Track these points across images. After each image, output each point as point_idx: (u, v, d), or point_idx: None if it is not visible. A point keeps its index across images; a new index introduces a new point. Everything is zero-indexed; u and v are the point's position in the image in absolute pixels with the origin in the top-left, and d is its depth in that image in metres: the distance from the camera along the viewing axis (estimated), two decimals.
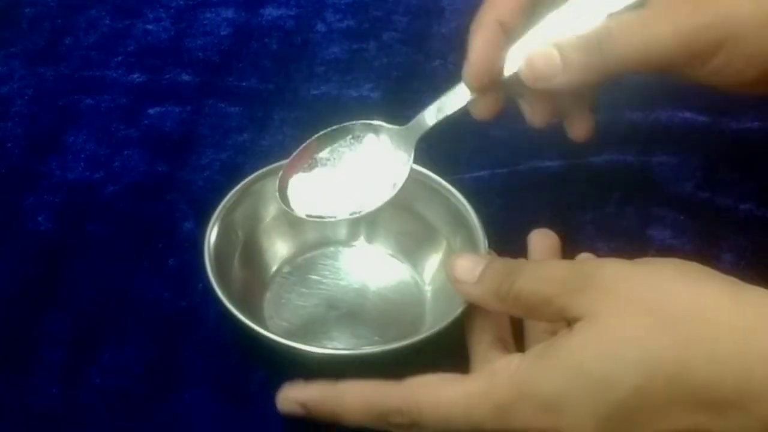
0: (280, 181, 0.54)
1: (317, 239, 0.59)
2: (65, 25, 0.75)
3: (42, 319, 0.56)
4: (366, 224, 0.59)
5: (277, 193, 0.54)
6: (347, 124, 0.55)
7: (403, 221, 0.58)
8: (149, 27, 0.75)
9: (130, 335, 0.56)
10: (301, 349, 0.50)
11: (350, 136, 0.55)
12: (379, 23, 0.76)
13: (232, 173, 0.64)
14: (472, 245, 0.55)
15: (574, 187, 0.63)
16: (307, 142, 0.55)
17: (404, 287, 0.57)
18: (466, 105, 0.54)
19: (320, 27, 0.75)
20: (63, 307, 0.57)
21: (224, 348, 0.55)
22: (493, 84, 0.53)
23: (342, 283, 0.57)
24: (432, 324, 0.53)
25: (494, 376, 0.46)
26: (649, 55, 0.51)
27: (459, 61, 0.72)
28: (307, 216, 0.54)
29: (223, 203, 0.56)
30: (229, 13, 0.76)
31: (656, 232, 0.60)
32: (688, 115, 0.67)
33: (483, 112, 0.55)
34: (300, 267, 0.58)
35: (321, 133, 0.55)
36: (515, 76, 0.53)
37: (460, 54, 0.72)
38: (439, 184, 0.57)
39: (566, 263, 0.50)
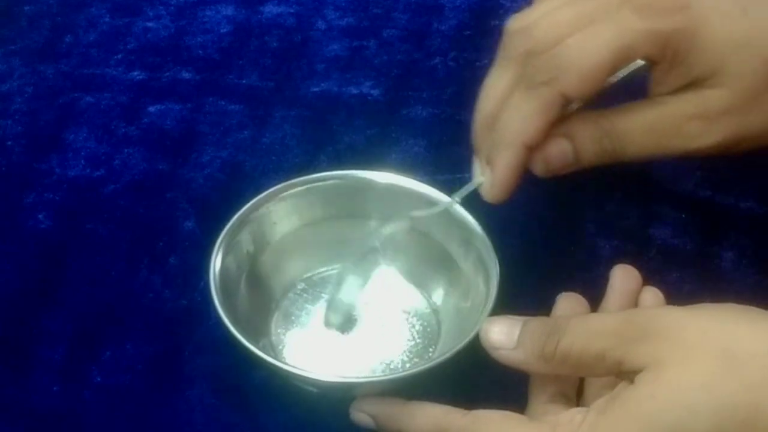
0: None
1: (329, 258, 0.58)
2: (65, 23, 0.75)
3: (42, 317, 0.56)
4: (378, 245, 0.58)
5: None
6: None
7: (413, 242, 0.57)
8: (149, 24, 0.75)
9: (130, 333, 0.56)
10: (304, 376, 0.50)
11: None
12: (379, 21, 0.76)
13: (233, 171, 0.64)
14: (483, 269, 0.53)
15: (575, 185, 0.63)
16: None
17: (415, 310, 0.56)
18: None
19: (320, 24, 0.75)
20: (63, 306, 0.57)
21: (225, 346, 0.54)
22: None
23: (352, 303, 0.56)
24: (443, 349, 0.52)
25: (557, 430, 0.45)
26: (659, 157, 0.54)
27: (459, 58, 0.72)
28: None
29: (232, 221, 0.55)
30: (229, 11, 0.76)
31: (657, 230, 0.60)
32: None
33: (495, 197, 0.54)
34: (310, 286, 0.57)
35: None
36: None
37: (459, 51, 0.73)
38: (449, 204, 0.56)
39: (614, 315, 0.48)
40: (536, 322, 0.48)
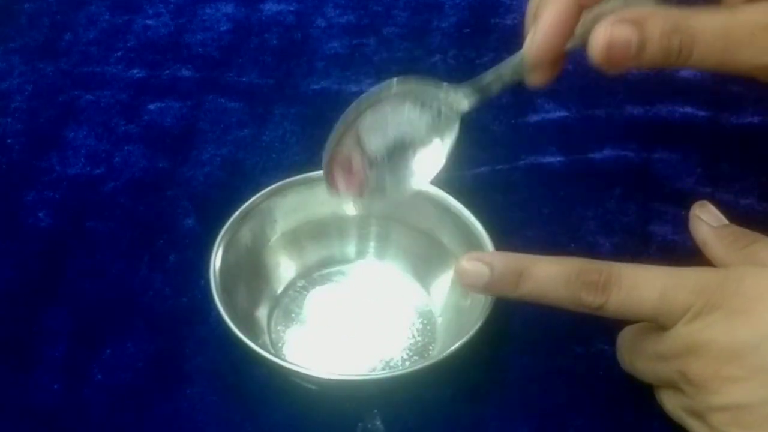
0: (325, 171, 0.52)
1: (326, 257, 0.58)
2: (64, 21, 0.75)
3: (43, 315, 0.56)
4: (376, 242, 0.58)
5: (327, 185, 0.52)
6: (389, 84, 0.51)
7: (414, 239, 0.57)
8: (149, 22, 0.75)
9: (131, 331, 0.56)
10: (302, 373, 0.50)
11: (393, 93, 0.50)
12: (378, 18, 0.76)
13: (233, 169, 0.64)
14: None
15: (574, 183, 0.63)
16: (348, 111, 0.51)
17: (414, 308, 0.56)
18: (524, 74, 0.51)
19: (320, 22, 0.75)
20: (64, 304, 0.57)
21: (225, 343, 0.54)
22: (555, 58, 0.50)
23: (349, 301, 0.57)
24: (443, 347, 0.52)
25: (704, 269, 0.47)
26: (725, 70, 0.50)
27: (459, 56, 0.73)
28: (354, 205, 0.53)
29: (232, 218, 0.55)
30: (228, 9, 0.76)
31: (657, 227, 0.60)
32: (688, 110, 0.67)
33: (538, 81, 0.52)
34: (310, 284, 0.57)
35: (363, 96, 0.51)
36: (581, 46, 0.49)
37: (459, 49, 0.73)
38: (450, 202, 0.56)
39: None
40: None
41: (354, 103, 0.51)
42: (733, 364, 0.45)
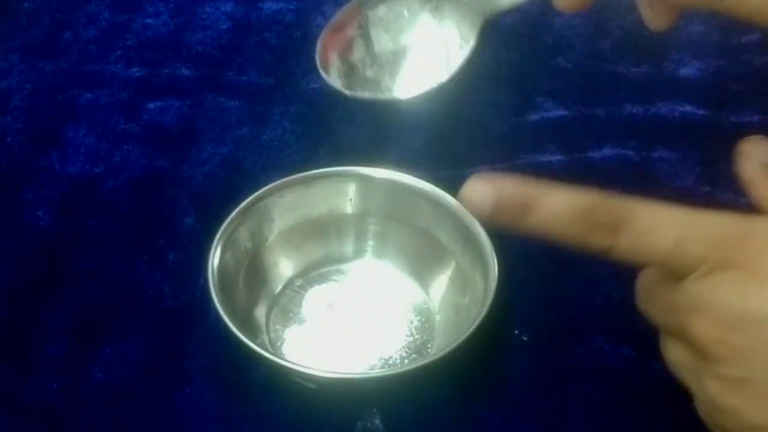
0: (320, 47, 0.48)
1: (324, 256, 0.58)
2: (64, 20, 0.75)
3: (42, 314, 0.56)
4: (374, 241, 0.58)
5: (318, 64, 0.48)
6: None
7: (411, 238, 0.57)
8: (148, 21, 0.75)
9: (130, 330, 0.56)
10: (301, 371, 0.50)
11: None
12: None
13: (233, 167, 0.64)
14: (482, 265, 0.53)
15: (574, 182, 0.63)
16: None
17: (413, 306, 0.56)
18: None
19: (320, 21, 0.75)
20: (63, 302, 0.57)
21: (225, 342, 0.54)
22: None
23: (347, 300, 0.57)
24: (441, 345, 0.52)
25: (730, 216, 0.41)
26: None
27: None
28: (350, 93, 0.49)
29: (230, 218, 0.55)
30: (228, 7, 0.76)
31: None
32: (687, 108, 0.67)
33: (564, 3, 0.48)
34: (308, 283, 0.57)
35: None
36: None
37: None
38: (448, 201, 0.55)
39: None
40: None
41: None
42: (741, 332, 0.40)
